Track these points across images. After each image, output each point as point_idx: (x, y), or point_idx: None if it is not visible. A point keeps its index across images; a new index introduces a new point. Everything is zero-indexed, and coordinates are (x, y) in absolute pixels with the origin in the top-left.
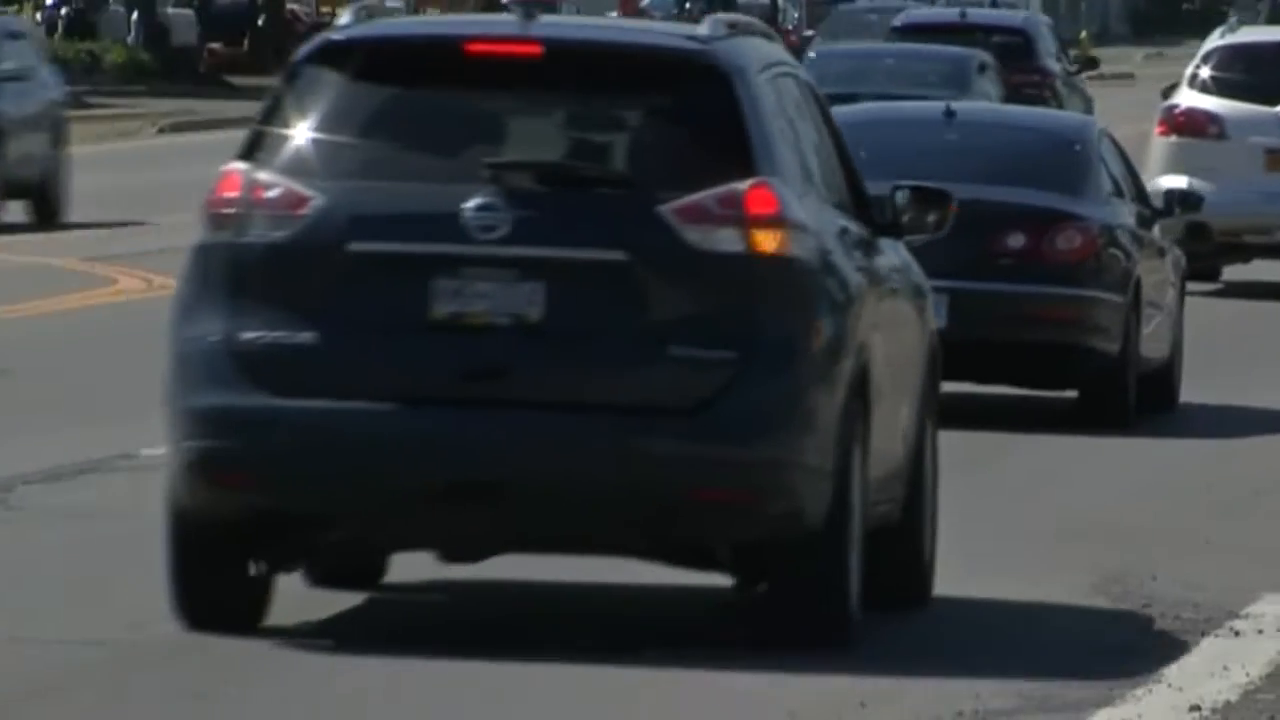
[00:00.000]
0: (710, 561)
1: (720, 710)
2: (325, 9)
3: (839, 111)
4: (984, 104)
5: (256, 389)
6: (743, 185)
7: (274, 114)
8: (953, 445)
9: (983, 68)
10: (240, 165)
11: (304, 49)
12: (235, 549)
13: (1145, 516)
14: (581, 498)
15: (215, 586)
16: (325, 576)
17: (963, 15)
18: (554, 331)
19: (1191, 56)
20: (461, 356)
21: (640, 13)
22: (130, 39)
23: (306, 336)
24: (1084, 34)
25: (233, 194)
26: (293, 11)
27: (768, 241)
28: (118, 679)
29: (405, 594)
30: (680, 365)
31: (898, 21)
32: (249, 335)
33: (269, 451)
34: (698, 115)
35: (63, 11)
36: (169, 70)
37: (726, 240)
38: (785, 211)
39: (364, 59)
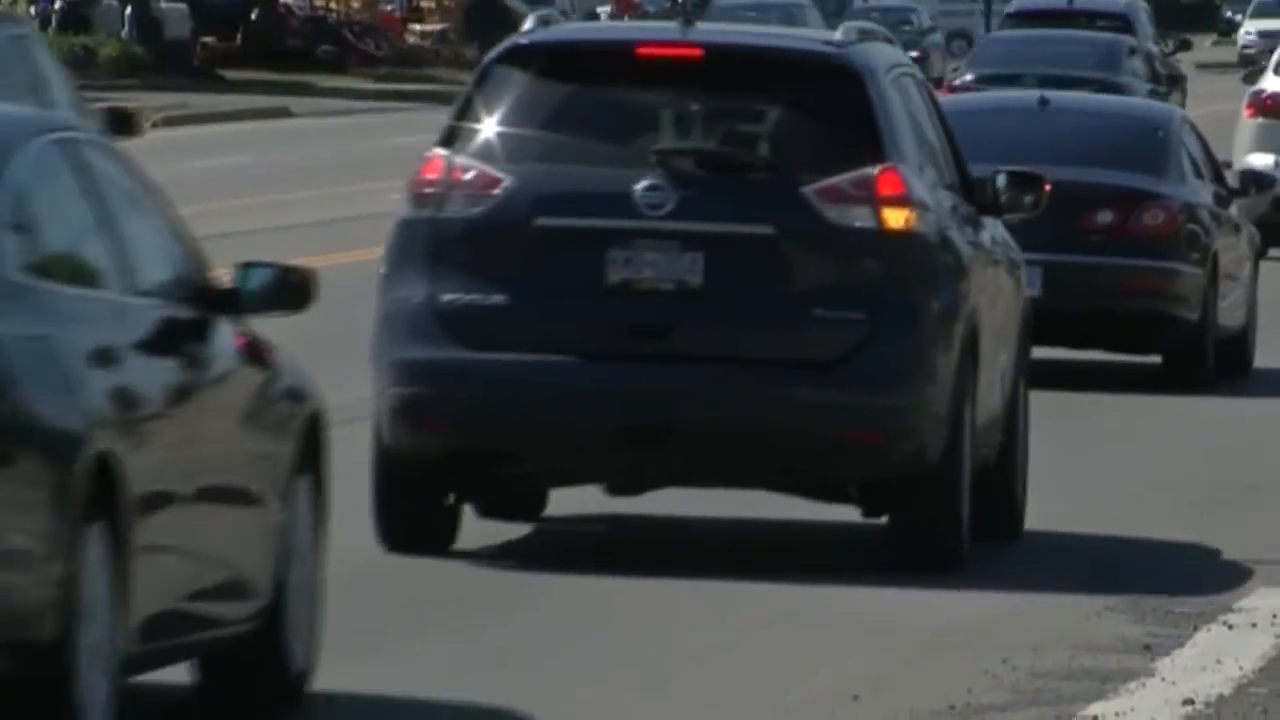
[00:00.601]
0: (842, 495)
1: (715, 704)
2: (319, 3)
3: (945, 101)
4: (1076, 94)
5: (454, 344)
6: (874, 170)
7: (468, 108)
8: None
9: (1132, 51)
10: (441, 151)
11: (494, 52)
12: (433, 483)
13: (1137, 511)
14: (733, 440)
15: (415, 516)
16: (493, 509)
17: (1070, 1)
18: (711, 295)
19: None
20: (631, 316)
21: (633, 8)
22: (124, 33)
23: (498, 299)
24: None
25: (434, 176)
26: (286, 5)
27: (895, 219)
28: None
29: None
30: (820, 325)
31: (1011, 8)
32: (448, 297)
33: (465, 398)
34: (834, 109)
35: (56, 6)
36: (162, 64)
37: (860, 217)
38: (910, 193)
39: (546, 60)
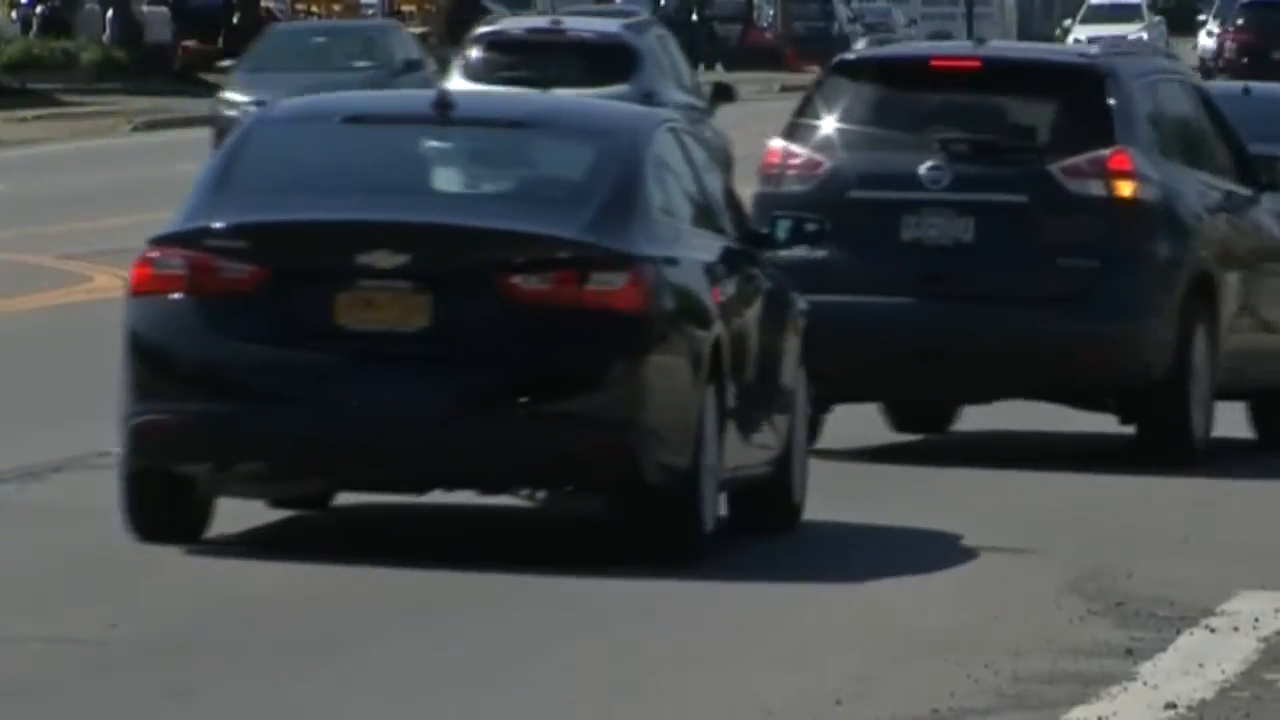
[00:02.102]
0: (1100, 405)
1: (694, 708)
2: (300, 6)
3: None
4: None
5: (793, 289)
6: (1106, 151)
7: (804, 107)
8: (934, 442)
9: None
10: (780, 141)
11: (830, 63)
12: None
13: (1120, 514)
14: (997, 360)
15: None
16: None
17: None
18: (979, 249)
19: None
20: (919, 266)
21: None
22: (105, 36)
23: (821, 254)
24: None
25: (775, 160)
26: (267, 9)
27: (1122, 188)
28: (93, 679)
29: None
30: (1062, 270)
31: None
32: (784, 254)
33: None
34: (1080, 106)
35: (38, 10)
36: (144, 68)
37: (1094, 188)
38: (1135, 169)
39: (864, 71)
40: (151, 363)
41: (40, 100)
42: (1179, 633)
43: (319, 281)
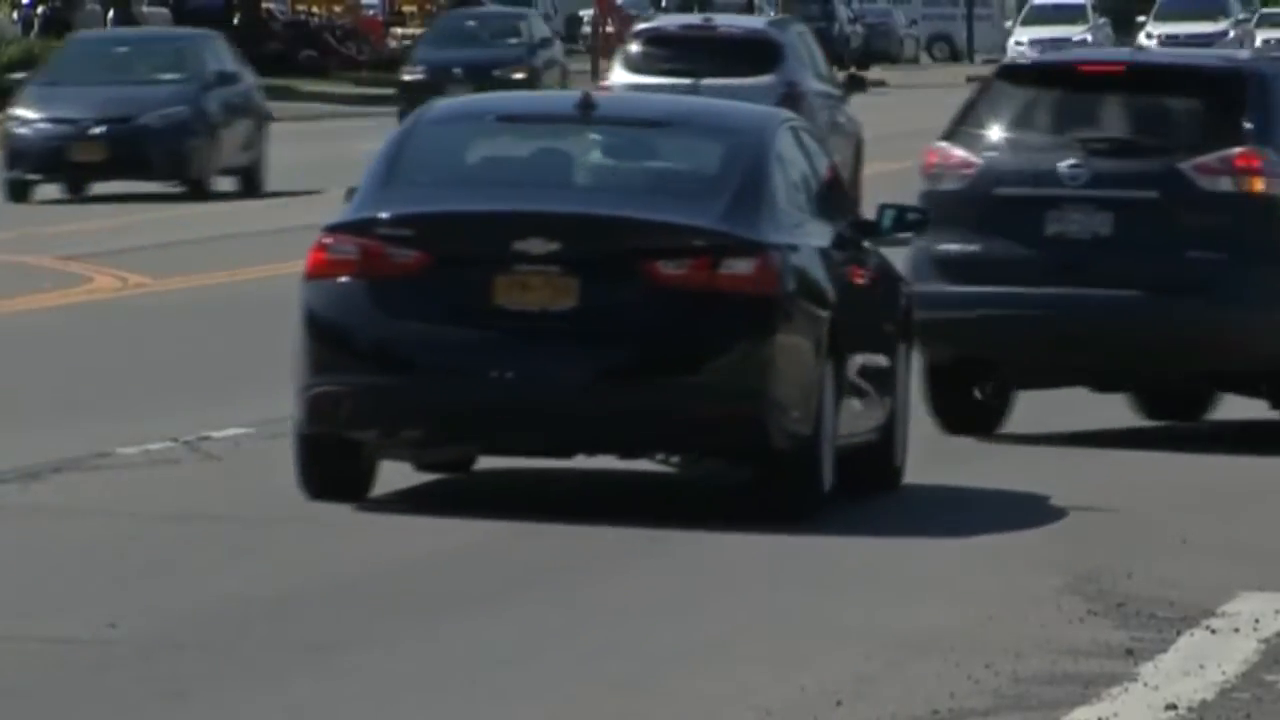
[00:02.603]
0: (1251, 389)
1: (692, 708)
2: (301, 7)
3: None
4: None
5: (947, 280)
6: (1235, 150)
7: (964, 110)
8: (930, 443)
9: None
10: (941, 144)
11: (993, 70)
12: (963, 380)
13: (1119, 515)
14: (1134, 345)
15: (957, 401)
16: None
17: None
18: (1116, 242)
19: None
20: (1061, 257)
21: (616, 10)
22: None
23: (973, 247)
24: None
25: (935, 160)
26: (268, 10)
27: (1250, 185)
28: (91, 678)
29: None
30: (1193, 262)
31: None
32: (942, 246)
33: (956, 320)
34: (1215, 107)
35: (39, 10)
36: None
37: (1224, 184)
38: (1264, 166)
39: (1022, 76)
40: (325, 339)
41: None
42: (1179, 633)
43: (478, 266)
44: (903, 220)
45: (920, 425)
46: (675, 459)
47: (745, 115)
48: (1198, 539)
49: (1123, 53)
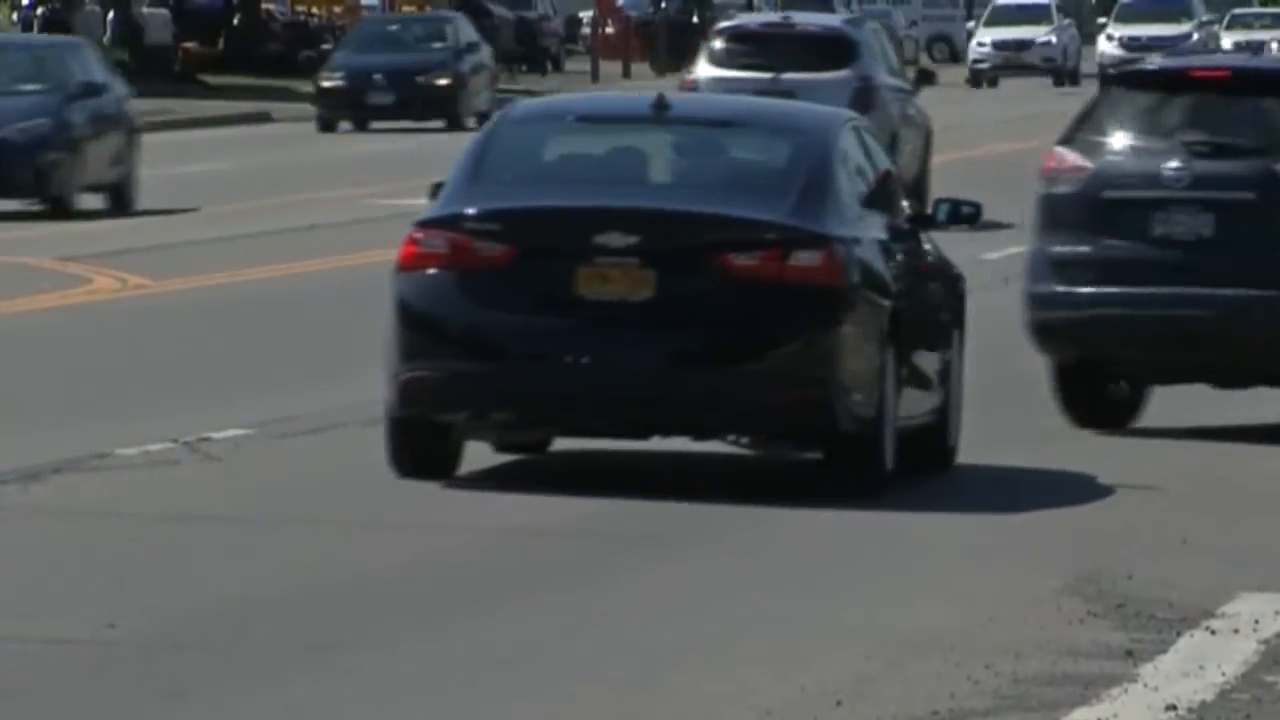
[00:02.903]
0: None
1: (692, 708)
2: (300, 8)
3: None
4: None
5: (1063, 281)
6: None
7: (1082, 115)
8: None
9: None
10: (1058, 149)
11: (1114, 75)
12: (1092, 377)
13: (1119, 516)
14: (1241, 342)
15: (1086, 397)
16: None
17: None
18: (1219, 243)
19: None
20: (1168, 258)
21: (615, 11)
22: (105, 38)
23: (1083, 249)
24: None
25: (1052, 164)
26: (267, 11)
27: None
28: (91, 678)
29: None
30: None
31: None
32: (1057, 248)
33: (1073, 320)
34: None
35: (39, 11)
36: (144, 70)
37: None
38: None
39: (1134, 81)
40: (416, 328)
41: None
42: (1179, 634)
43: (561, 258)
44: (957, 213)
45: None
46: (745, 440)
47: (811, 115)
48: (1198, 540)
49: (1231, 58)
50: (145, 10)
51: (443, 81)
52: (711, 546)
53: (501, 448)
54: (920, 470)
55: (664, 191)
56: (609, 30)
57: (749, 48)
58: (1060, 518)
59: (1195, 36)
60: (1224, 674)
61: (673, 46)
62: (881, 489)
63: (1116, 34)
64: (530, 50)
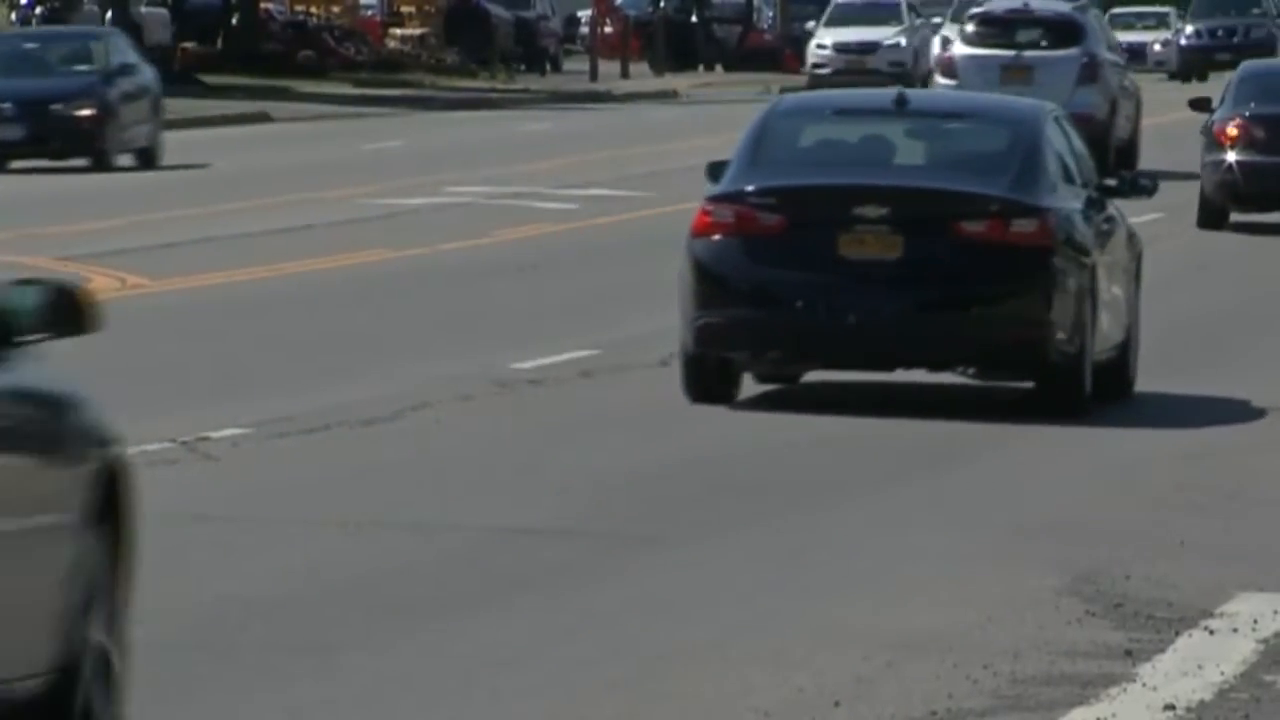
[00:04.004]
0: None
1: (693, 709)
2: (299, 8)
3: None
4: None
5: None
6: None
7: None
8: (925, 441)
9: None
10: None
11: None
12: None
13: (1117, 516)
14: None
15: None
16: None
17: None
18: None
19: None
20: None
21: (614, 10)
22: None
23: None
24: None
25: None
26: (266, 10)
27: None
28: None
29: None
30: None
31: None
32: None
33: None
34: None
35: (38, 10)
36: None
37: None
38: None
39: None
40: (708, 282)
41: None
42: (1178, 634)
43: (826, 227)
44: (1136, 185)
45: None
46: (972, 371)
47: (1022, 108)
48: (1196, 540)
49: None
50: (144, 10)
51: (85, 112)
52: (711, 546)
53: (763, 379)
54: (1107, 397)
55: (907, 171)
56: (608, 30)
57: (994, 30)
58: (1059, 518)
59: (904, 42)
60: (1223, 674)
61: (671, 46)
62: (1084, 412)
63: (829, 40)
64: (528, 50)
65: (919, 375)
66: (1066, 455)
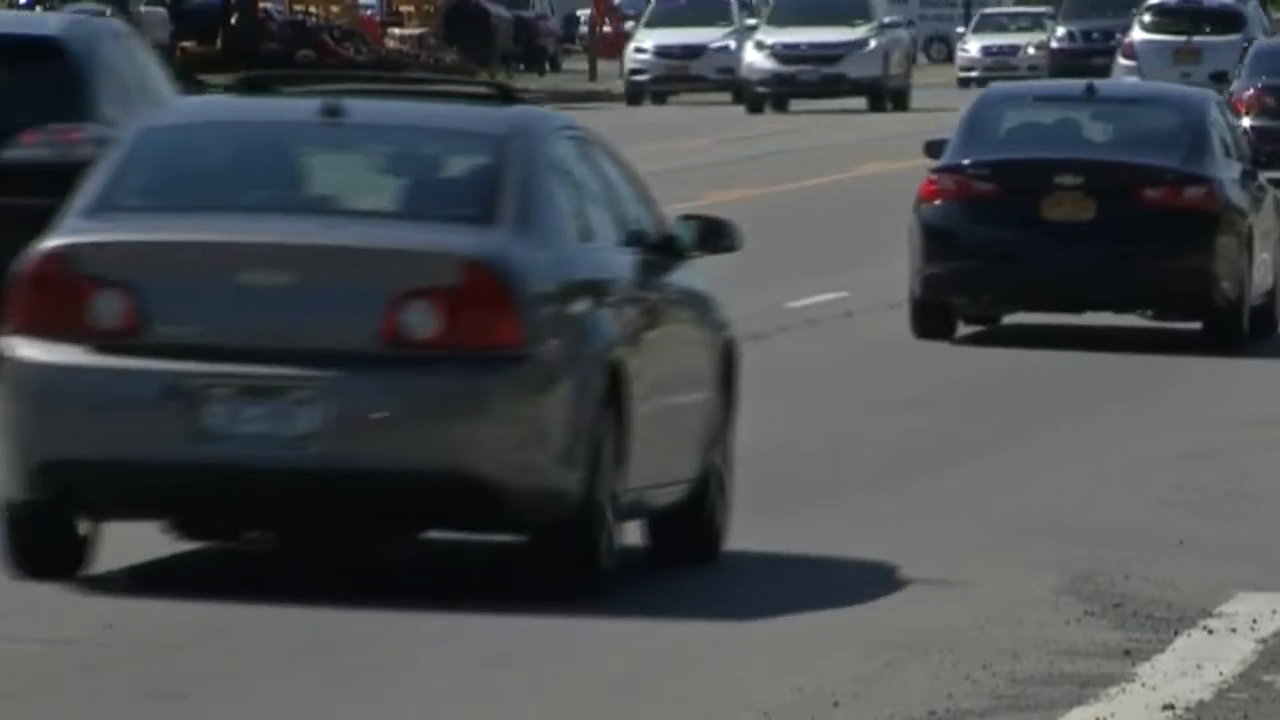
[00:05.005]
0: None
1: (692, 709)
2: (298, 7)
3: None
4: None
5: None
6: None
7: None
8: (925, 441)
9: None
10: None
11: None
12: None
13: (1117, 516)
14: None
15: None
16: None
17: None
18: None
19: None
20: None
21: (613, 10)
22: None
23: None
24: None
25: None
26: (265, 10)
27: None
28: (88, 679)
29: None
30: None
31: None
32: None
33: None
34: None
35: (37, 10)
36: None
37: None
38: None
39: None
40: (934, 240)
41: None
42: (1177, 634)
43: (1031, 193)
44: (1259, 161)
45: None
46: (1150, 313)
47: (1189, 94)
48: (1195, 539)
49: None
50: (143, 9)
51: None
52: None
53: (970, 321)
54: (1260, 335)
55: (1096, 147)
56: (607, 29)
57: (1169, 19)
58: (1059, 518)
59: (873, 43)
60: (1222, 673)
61: None
62: (1242, 348)
63: (769, 40)
64: (528, 50)
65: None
66: (1066, 455)
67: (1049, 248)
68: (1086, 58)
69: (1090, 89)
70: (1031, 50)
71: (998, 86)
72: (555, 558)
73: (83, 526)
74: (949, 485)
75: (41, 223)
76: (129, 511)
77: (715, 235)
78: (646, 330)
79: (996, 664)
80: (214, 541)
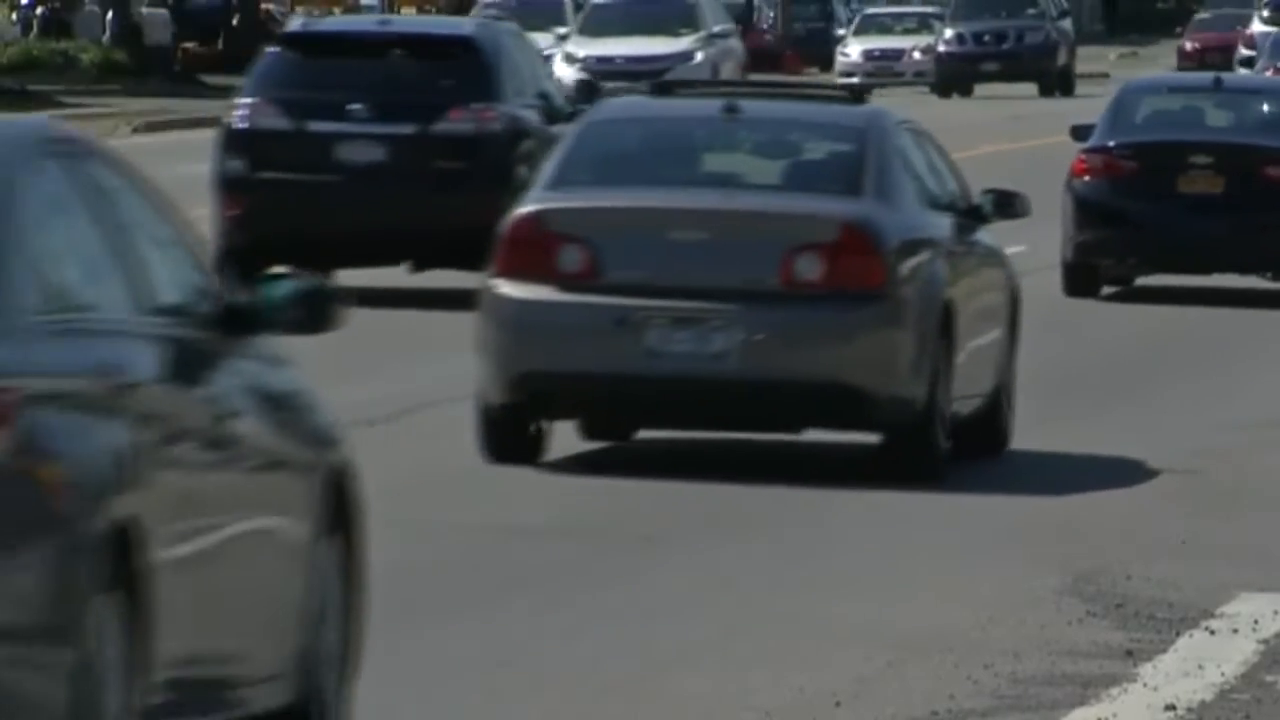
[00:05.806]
0: None
1: (694, 709)
2: (300, 8)
3: None
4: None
5: None
6: None
7: None
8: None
9: None
10: None
11: None
12: None
13: (1119, 516)
14: None
15: None
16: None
17: None
18: None
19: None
20: None
21: None
22: (105, 38)
23: None
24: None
25: None
26: (267, 11)
27: None
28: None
29: None
30: None
31: None
32: None
33: None
34: None
35: (38, 11)
36: (144, 70)
37: None
38: None
39: None
40: (1083, 210)
41: (40, 102)
42: (1179, 634)
43: (1167, 170)
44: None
45: None
46: (1270, 275)
47: None
48: (1197, 540)
49: None
50: (144, 10)
51: None
52: (711, 547)
53: (1109, 283)
54: None
55: (1225, 131)
56: None
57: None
58: (1060, 517)
59: (700, 56)
60: (1223, 674)
61: None
62: None
63: (581, 53)
64: None
65: None
66: (1066, 455)
67: (1183, 218)
68: (976, 62)
69: (1218, 80)
70: (917, 55)
71: (1136, 80)
72: (903, 452)
73: (534, 426)
74: (949, 485)
75: (463, 183)
76: (580, 412)
77: (1009, 204)
78: (966, 277)
79: (998, 664)
80: (614, 441)
